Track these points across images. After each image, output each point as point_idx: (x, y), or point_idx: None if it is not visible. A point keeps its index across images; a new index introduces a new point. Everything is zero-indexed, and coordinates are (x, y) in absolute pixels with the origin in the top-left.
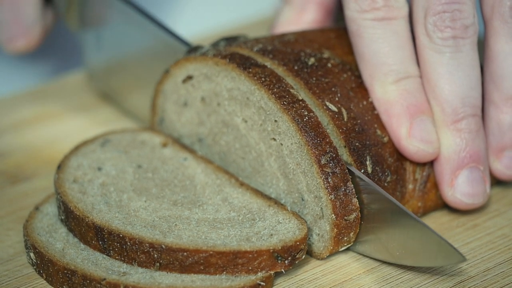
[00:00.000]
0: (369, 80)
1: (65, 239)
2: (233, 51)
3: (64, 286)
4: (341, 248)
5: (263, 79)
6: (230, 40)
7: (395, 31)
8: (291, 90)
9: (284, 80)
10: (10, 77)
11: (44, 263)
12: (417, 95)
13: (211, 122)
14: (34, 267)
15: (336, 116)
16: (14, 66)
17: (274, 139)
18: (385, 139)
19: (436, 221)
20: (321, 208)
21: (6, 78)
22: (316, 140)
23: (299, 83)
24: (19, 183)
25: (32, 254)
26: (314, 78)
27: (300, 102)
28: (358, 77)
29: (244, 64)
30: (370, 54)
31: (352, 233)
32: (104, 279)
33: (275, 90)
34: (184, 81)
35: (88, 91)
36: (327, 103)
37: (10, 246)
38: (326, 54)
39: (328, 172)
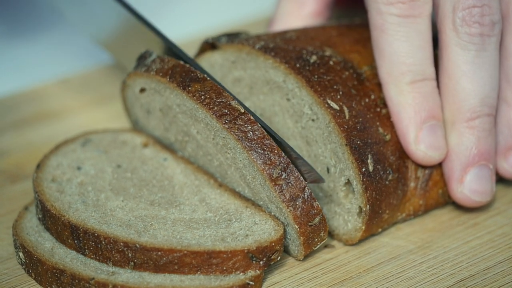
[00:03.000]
0: (385, 78)
1: (54, 239)
2: (175, 64)
3: (53, 286)
4: (315, 248)
5: (202, 97)
6: (232, 36)
7: (418, 31)
8: (232, 104)
9: (224, 93)
10: (11, 77)
11: (33, 263)
12: (430, 99)
13: (174, 130)
14: (23, 266)
15: (338, 114)
16: (15, 65)
17: (228, 153)
18: (387, 137)
19: (437, 219)
20: (285, 218)
21: (7, 77)
22: (264, 155)
23: (300, 81)
24: (20, 182)
25: (21, 254)
26: (315, 76)
27: (243, 116)
28: (360, 75)
29: (184, 81)
30: (391, 52)
31: (322, 232)
32: (93, 278)
33: (216, 108)
34: (141, 91)
35: (88, 90)
36: (329, 101)
37: (10, 245)
38: (328, 52)
39: (282, 185)
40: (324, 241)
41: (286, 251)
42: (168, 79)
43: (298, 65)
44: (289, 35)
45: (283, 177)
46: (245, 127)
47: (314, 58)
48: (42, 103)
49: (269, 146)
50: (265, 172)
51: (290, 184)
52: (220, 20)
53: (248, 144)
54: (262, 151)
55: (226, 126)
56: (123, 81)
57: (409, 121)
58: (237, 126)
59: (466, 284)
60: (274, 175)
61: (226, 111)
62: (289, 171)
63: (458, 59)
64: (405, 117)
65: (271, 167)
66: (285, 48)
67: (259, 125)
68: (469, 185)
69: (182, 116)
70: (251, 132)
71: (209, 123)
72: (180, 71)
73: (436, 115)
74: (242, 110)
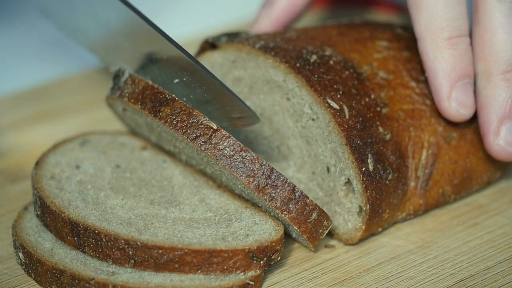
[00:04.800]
0: (422, 32)
1: (54, 239)
2: (144, 86)
3: (52, 286)
4: (322, 236)
5: (174, 121)
6: (232, 36)
7: None
8: (204, 122)
9: (194, 113)
10: (10, 76)
11: (32, 263)
12: (465, 57)
13: (164, 142)
14: (23, 267)
15: (338, 113)
16: (15, 65)
17: (214, 167)
18: (387, 136)
19: (437, 219)
20: (283, 220)
21: (6, 77)
22: (245, 168)
23: (300, 80)
24: (19, 181)
25: (20, 254)
26: (316, 76)
27: (217, 133)
28: (360, 74)
29: (154, 107)
30: (430, 5)
31: (324, 221)
32: (93, 278)
33: (189, 131)
34: (123, 110)
35: (89, 90)
36: (329, 101)
37: (10, 245)
38: (328, 51)
39: (271, 193)
40: (330, 226)
41: (298, 242)
42: (140, 106)
43: (298, 65)
44: (289, 34)
45: (269, 184)
46: (221, 144)
47: (314, 57)
48: (42, 103)
49: (248, 158)
50: (251, 185)
51: (278, 189)
52: (220, 20)
53: (227, 162)
54: (242, 165)
55: (203, 148)
56: (105, 100)
57: (444, 78)
58: (213, 145)
59: (466, 284)
60: (260, 185)
61: (199, 132)
62: (274, 176)
63: (494, 11)
64: (441, 73)
65: (255, 178)
66: (285, 48)
67: (234, 139)
68: (505, 137)
69: (165, 134)
70: (227, 149)
71: (188, 143)
72: (149, 94)
73: (469, 73)
74: (215, 127)
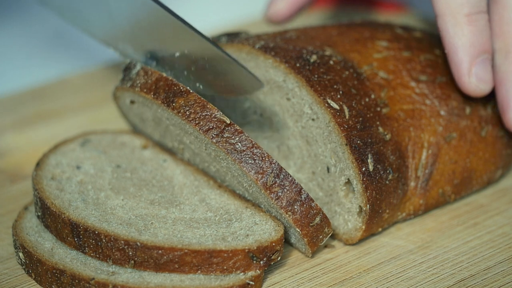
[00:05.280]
0: (442, 9)
1: (54, 239)
2: (158, 77)
3: (53, 286)
4: (322, 243)
5: (187, 112)
6: (232, 36)
7: None
8: (217, 115)
9: (208, 106)
10: (10, 76)
11: (33, 263)
12: (484, 33)
13: (169, 138)
14: (23, 267)
15: (338, 113)
16: (15, 65)
17: (221, 162)
18: (387, 136)
19: (437, 219)
20: (286, 221)
21: (6, 77)
22: (255, 165)
23: (300, 80)
24: (19, 181)
25: (21, 254)
26: (316, 76)
27: (229, 127)
28: (360, 74)
29: (167, 97)
30: None
31: (325, 228)
32: (93, 278)
33: (201, 123)
34: (131, 103)
35: (89, 90)
36: (329, 101)
37: (10, 245)
38: (328, 52)
39: (278, 192)
40: (330, 234)
41: (295, 248)
42: (152, 96)
43: (298, 65)
44: (289, 34)
45: (277, 183)
46: (233, 139)
47: (314, 57)
48: (42, 103)
49: (259, 154)
50: (259, 182)
51: (285, 189)
52: (220, 20)
53: (238, 156)
54: (252, 161)
55: (214, 141)
56: (113, 93)
57: (464, 53)
58: (224, 139)
59: (466, 284)
60: (268, 183)
61: (212, 124)
62: (282, 176)
63: None
64: (461, 49)
65: (264, 175)
66: (285, 48)
67: (246, 135)
68: None
69: (173, 128)
70: (239, 144)
71: (198, 136)
72: (163, 85)
73: (488, 49)
74: (228, 121)
